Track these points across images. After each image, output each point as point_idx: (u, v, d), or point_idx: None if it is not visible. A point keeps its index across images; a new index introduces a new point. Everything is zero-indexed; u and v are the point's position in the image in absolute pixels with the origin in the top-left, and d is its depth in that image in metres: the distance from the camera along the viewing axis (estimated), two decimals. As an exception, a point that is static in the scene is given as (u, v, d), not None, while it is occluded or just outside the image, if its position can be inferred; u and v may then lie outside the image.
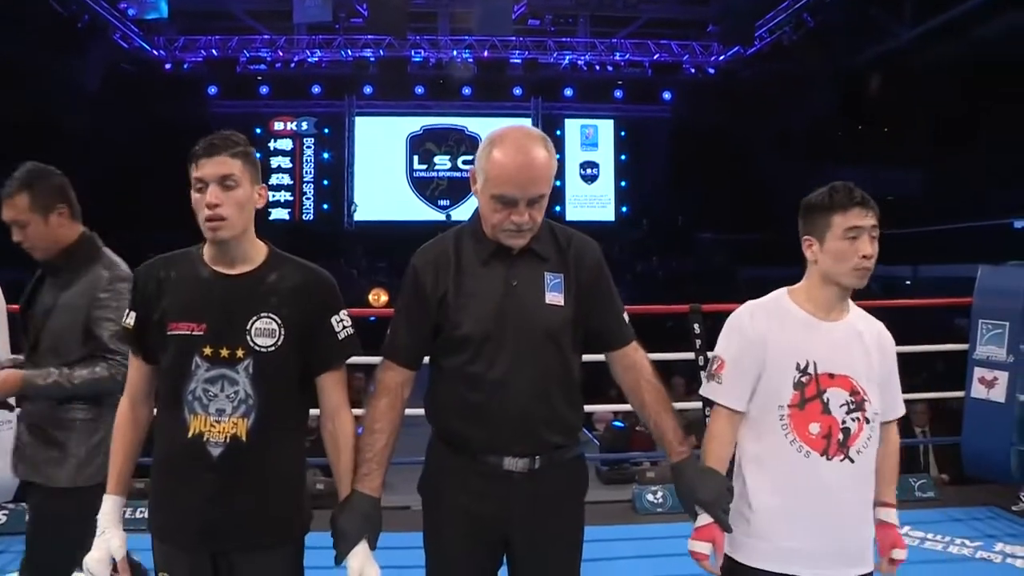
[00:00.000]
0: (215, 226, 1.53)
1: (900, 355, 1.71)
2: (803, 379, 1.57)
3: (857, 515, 1.61)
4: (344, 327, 1.63)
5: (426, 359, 1.70)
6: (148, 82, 14.08)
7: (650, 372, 1.68)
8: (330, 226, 15.77)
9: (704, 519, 1.55)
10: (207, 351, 1.53)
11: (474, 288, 1.59)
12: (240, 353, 1.53)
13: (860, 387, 1.58)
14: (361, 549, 1.55)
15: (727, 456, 1.64)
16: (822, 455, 1.56)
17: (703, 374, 1.71)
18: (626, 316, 1.72)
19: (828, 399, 1.57)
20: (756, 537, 1.58)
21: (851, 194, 1.59)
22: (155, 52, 14.03)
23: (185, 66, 14.42)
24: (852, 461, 1.57)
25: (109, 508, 1.58)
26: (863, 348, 1.61)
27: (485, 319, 1.57)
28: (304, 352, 1.59)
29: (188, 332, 1.53)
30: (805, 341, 1.59)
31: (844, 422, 1.57)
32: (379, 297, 11.70)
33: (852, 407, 1.57)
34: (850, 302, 1.66)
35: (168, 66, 14.31)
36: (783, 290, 1.68)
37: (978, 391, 3.40)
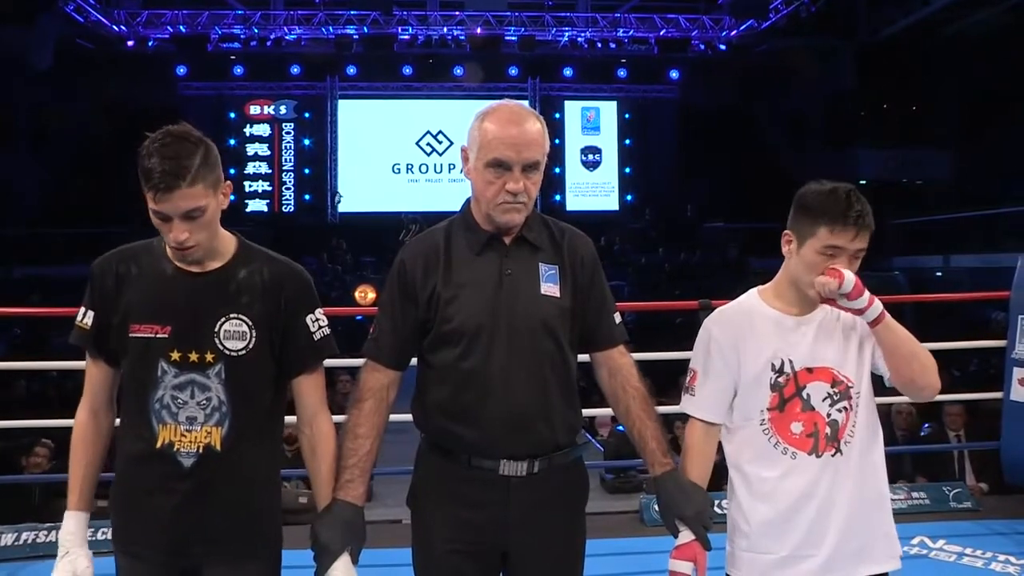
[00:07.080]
0: (185, 255, 1.51)
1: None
2: (780, 379, 1.59)
3: (858, 510, 1.61)
4: (320, 327, 1.62)
5: (413, 360, 1.69)
6: (108, 61, 13.83)
7: (636, 377, 1.69)
8: (313, 218, 15.73)
9: (686, 536, 1.57)
10: (174, 356, 1.51)
11: (466, 279, 1.60)
12: (210, 357, 1.51)
13: (843, 375, 1.60)
14: (343, 563, 1.54)
15: (707, 470, 1.67)
16: (810, 454, 1.57)
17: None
18: (618, 316, 1.74)
19: (808, 395, 1.58)
20: (754, 550, 1.61)
21: (848, 209, 1.54)
22: (115, 27, 13.75)
23: (150, 44, 14.25)
24: (842, 453, 1.59)
25: (73, 526, 1.54)
26: (843, 331, 1.62)
27: (478, 311, 1.58)
28: (278, 353, 1.58)
29: (151, 335, 1.51)
30: (778, 340, 1.61)
31: (830, 415, 1.58)
32: (366, 294, 11.68)
33: (836, 398, 1.59)
34: None
35: (130, 43, 14.08)
36: (753, 290, 1.71)
37: (1018, 393, 3.36)
